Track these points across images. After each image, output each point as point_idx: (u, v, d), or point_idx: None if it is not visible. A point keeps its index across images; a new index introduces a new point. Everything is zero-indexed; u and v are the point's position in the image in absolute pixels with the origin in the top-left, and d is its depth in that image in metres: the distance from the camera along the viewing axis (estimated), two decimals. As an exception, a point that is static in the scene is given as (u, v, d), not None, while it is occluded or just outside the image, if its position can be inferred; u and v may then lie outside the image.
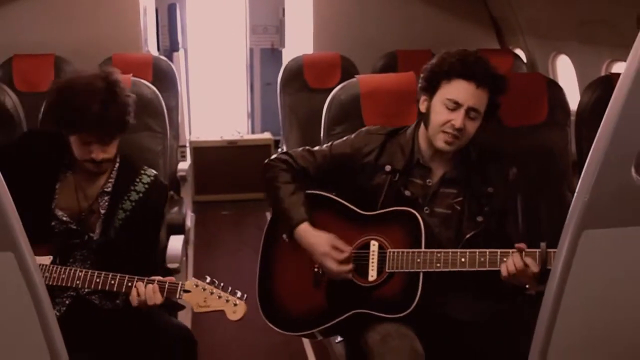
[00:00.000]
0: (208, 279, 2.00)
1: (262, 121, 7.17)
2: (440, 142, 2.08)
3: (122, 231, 2.15)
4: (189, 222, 4.38)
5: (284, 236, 2.17)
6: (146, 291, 1.95)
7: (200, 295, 1.97)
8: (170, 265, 2.50)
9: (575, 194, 1.18)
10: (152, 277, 1.99)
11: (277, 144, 5.55)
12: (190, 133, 5.97)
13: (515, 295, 2.02)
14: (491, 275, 1.94)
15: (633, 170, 1.18)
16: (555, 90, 2.82)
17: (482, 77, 2.04)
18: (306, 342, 3.40)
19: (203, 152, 5.61)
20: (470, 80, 2.03)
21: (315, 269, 2.14)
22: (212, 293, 1.97)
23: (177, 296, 1.98)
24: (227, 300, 1.97)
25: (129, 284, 1.98)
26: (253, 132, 7.08)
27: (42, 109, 2.60)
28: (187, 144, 5.58)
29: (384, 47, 4.50)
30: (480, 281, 2.02)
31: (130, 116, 2.13)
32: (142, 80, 2.82)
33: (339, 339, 2.28)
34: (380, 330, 1.96)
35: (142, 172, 2.25)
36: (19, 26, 4.34)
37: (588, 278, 1.28)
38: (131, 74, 2.80)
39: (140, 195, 2.20)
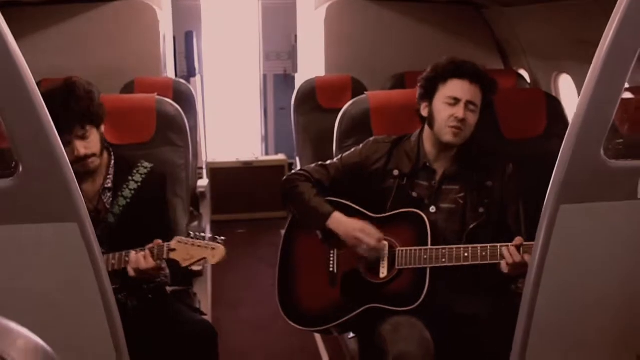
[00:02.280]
0: (192, 234, 2.12)
1: (276, 144, 7.31)
2: (448, 136, 2.27)
3: (123, 216, 2.26)
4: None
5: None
6: (137, 258, 2.08)
7: (184, 250, 2.09)
8: (194, 268, 2.65)
9: (554, 173, 1.34)
10: (145, 246, 2.10)
11: (291, 166, 5.68)
12: (206, 155, 6.13)
13: (509, 284, 2.20)
14: (490, 270, 2.11)
15: (602, 152, 1.34)
16: (554, 104, 2.97)
17: (473, 74, 2.27)
18: (321, 345, 3.52)
19: (219, 173, 5.72)
20: (463, 78, 2.26)
21: (330, 269, 2.30)
22: (193, 245, 2.09)
23: (165, 255, 2.08)
24: (207, 247, 2.09)
25: (126, 258, 2.10)
26: (267, 154, 7.19)
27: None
28: (204, 166, 5.71)
29: (392, 69, 4.61)
30: (480, 278, 2.19)
31: (94, 106, 2.22)
32: (166, 99, 3.01)
33: (352, 335, 2.42)
34: (392, 321, 2.12)
35: (139, 164, 2.37)
36: (47, 53, 4.51)
37: (566, 247, 1.44)
38: (155, 93, 2.99)
39: (139, 184, 2.32)
